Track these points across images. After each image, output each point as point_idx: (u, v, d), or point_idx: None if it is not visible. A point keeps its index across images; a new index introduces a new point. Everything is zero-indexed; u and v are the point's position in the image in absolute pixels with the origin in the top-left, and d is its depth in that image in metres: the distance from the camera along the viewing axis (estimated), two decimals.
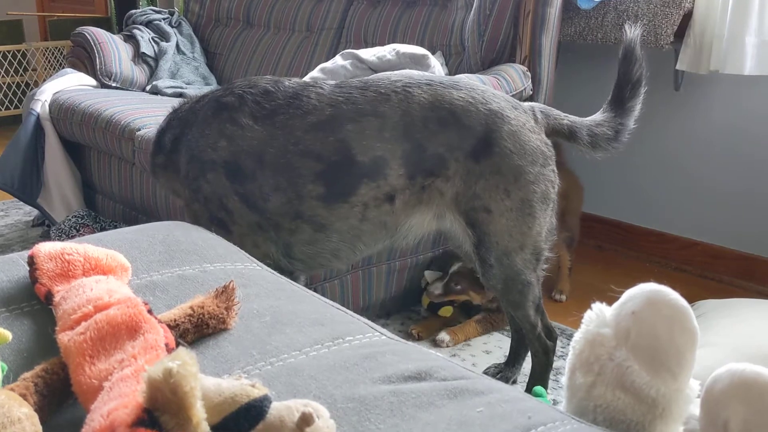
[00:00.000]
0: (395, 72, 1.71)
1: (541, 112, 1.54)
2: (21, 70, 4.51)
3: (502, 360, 1.87)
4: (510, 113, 1.46)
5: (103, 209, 2.57)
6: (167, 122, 1.59)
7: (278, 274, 1.09)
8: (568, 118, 1.57)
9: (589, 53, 2.62)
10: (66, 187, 2.57)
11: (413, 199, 1.48)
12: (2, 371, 0.70)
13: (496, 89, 1.88)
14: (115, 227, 2.39)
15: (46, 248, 0.92)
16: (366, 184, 1.44)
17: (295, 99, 1.46)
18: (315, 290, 1.91)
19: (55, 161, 2.56)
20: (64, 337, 0.74)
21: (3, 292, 0.91)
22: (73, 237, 2.31)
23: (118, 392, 0.61)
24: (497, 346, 2.00)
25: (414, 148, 1.44)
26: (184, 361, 0.55)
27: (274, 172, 1.45)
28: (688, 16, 2.22)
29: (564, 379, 0.85)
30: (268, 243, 1.51)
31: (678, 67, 2.29)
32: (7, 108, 4.50)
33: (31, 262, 0.91)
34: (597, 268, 2.54)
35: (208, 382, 0.61)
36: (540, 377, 1.68)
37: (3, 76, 4.45)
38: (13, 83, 4.50)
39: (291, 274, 1.54)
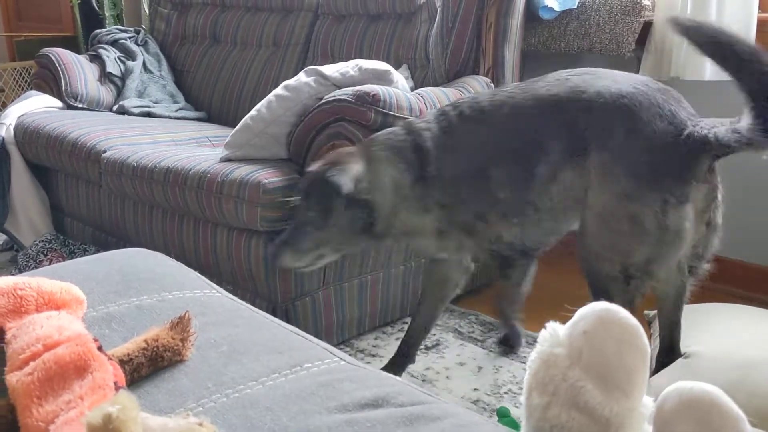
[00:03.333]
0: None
1: (703, 135, 1.38)
2: None
3: (475, 372, 1.87)
4: (647, 118, 1.38)
5: (72, 232, 2.54)
6: (419, 139, 1.61)
7: (238, 300, 1.08)
8: (739, 129, 1.37)
9: (552, 62, 2.64)
10: (33, 211, 2.54)
11: (574, 178, 1.47)
12: None
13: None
14: (85, 251, 2.36)
15: None
16: (562, 169, 1.47)
17: (501, 108, 1.56)
18: (285, 308, 1.90)
19: (22, 185, 2.53)
20: (12, 378, 0.73)
21: None
22: (41, 262, 2.28)
23: None
24: (471, 357, 2.00)
25: (568, 133, 1.45)
26: (124, 405, 0.55)
27: (509, 161, 1.54)
28: (648, 25, 2.25)
29: (522, 399, 0.85)
30: (512, 227, 1.58)
31: (640, 74, 2.31)
32: None
33: None
34: (571, 276, 2.55)
35: (154, 422, 0.61)
36: None
37: None
38: None
39: (535, 251, 1.74)
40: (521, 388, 1.87)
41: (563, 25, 2.34)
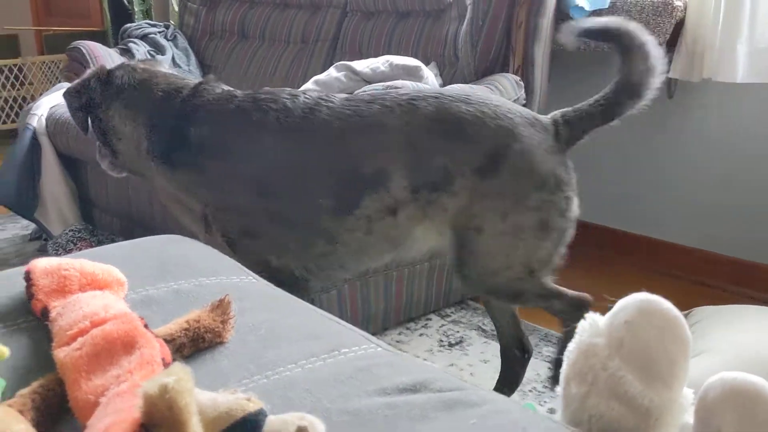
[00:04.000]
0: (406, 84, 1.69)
1: (565, 121, 1.44)
2: (18, 85, 4.52)
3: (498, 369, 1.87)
4: (523, 130, 1.38)
5: (100, 223, 2.57)
6: (190, 110, 1.52)
7: (273, 287, 1.09)
8: (598, 102, 1.44)
9: (581, 62, 2.64)
10: (62, 201, 2.57)
11: (418, 213, 1.44)
12: (0, 387, 0.71)
13: None
14: (113, 241, 2.39)
15: (42, 264, 0.93)
16: (369, 196, 1.42)
17: (309, 113, 1.46)
18: (311, 300, 1.91)
19: (52, 176, 2.57)
20: (60, 353, 0.75)
21: (3, 307, 0.91)
22: (70, 251, 2.31)
23: (115, 408, 0.61)
24: (495, 355, 2.00)
25: (417, 162, 1.40)
26: (180, 376, 0.56)
27: (297, 188, 1.46)
28: (680, 25, 2.24)
29: (559, 389, 0.85)
30: (288, 255, 1.51)
31: (671, 75, 2.30)
32: (4, 122, 4.51)
33: (28, 278, 0.92)
34: (591, 274, 2.55)
35: (204, 396, 0.62)
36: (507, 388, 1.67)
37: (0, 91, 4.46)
38: (10, 97, 4.52)
39: (306, 283, 1.55)
40: (545, 386, 1.88)
41: None
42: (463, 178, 1.38)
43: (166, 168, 1.55)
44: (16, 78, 4.52)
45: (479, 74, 2.10)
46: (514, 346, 1.65)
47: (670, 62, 2.30)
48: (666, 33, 2.20)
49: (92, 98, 1.60)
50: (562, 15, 2.24)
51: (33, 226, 2.92)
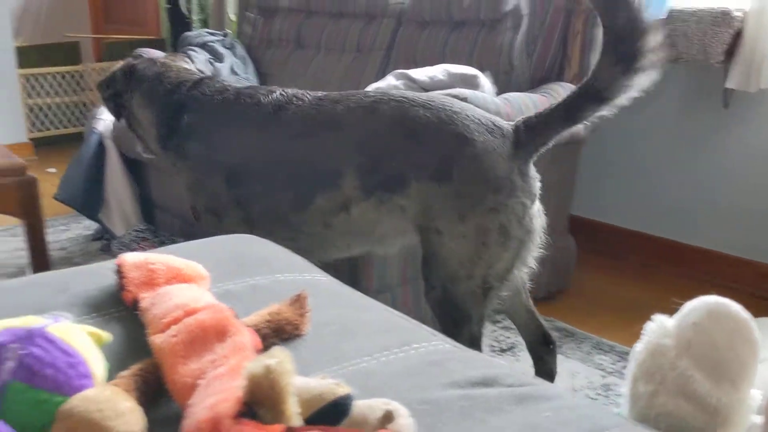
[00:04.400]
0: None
1: (527, 127, 1.43)
2: (78, 90, 4.69)
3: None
4: (476, 136, 1.40)
5: (161, 224, 2.66)
6: (187, 100, 1.68)
7: (341, 284, 1.14)
8: (559, 106, 1.41)
9: None
10: (125, 203, 2.67)
11: (372, 212, 1.49)
12: (106, 369, 0.76)
13: (542, 106, 1.91)
14: (173, 241, 2.48)
15: (131, 258, 0.99)
16: (321, 194, 1.52)
17: (278, 111, 1.58)
18: None
19: (116, 178, 2.67)
20: (156, 339, 0.80)
21: (93, 299, 0.98)
22: (134, 250, 2.40)
23: (216, 388, 0.66)
24: None
25: (370, 164, 1.47)
26: (281, 359, 0.61)
27: (258, 180, 1.59)
28: (738, 35, 2.23)
29: (625, 389, 0.88)
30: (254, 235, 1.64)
31: (727, 85, 2.29)
32: (65, 126, 4.68)
33: (118, 271, 0.98)
34: (643, 285, 2.54)
35: (298, 380, 0.66)
36: None
37: (61, 96, 4.63)
38: (71, 103, 4.68)
39: None
40: (598, 394, 1.88)
41: None
42: (417, 180, 1.44)
43: (168, 152, 1.73)
44: (77, 84, 4.68)
45: (535, 83, 2.12)
46: (538, 341, 1.65)
47: (726, 72, 2.29)
48: (724, 43, 2.19)
49: (118, 89, 1.80)
50: None
51: (95, 226, 3.03)
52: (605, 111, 1.39)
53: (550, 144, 1.45)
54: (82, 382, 0.70)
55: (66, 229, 3.11)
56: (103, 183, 2.67)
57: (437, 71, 1.96)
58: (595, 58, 2.11)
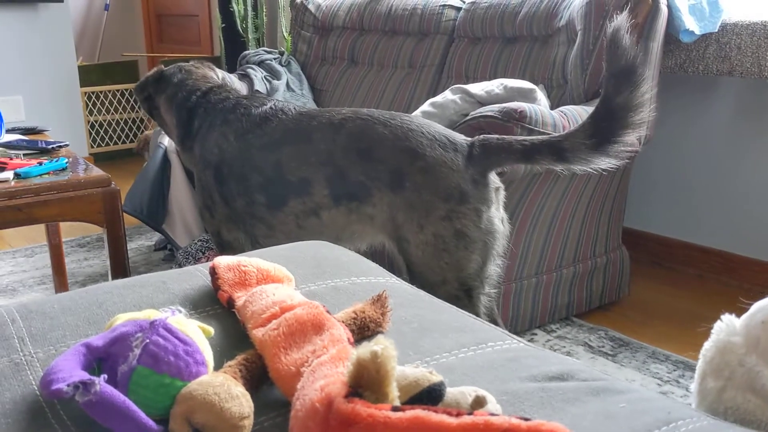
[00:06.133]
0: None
1: (482, 145, 1.54)
2: (137, 107, 4.87)
3: None
4: (428, 151, 1.54)
5: None
6: (196, 106, 1.88)
7: (415, 288, 1.20)
8: (523, 141, 1.50)
9: (689, 85, 2.66)
10: (188, 214, 2.78)
11: (341, 218, 1.65)
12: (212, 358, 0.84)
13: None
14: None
15: (224, 261, 1.07)
16: (294, 199, 1.69)
17: (264, 121, 1.75)
18: None
19: (180, 190, 2.78)
20: (258, 333, 0.87)
21: (191, 297, 1.06)
22: (199, 260, 2.51)
23: (322, 374, 0.73)
24: (602, 371, 2.04)
25: (337, 174, 1.62)
26: (386, 345, 0.67)
27: (237, 180, 1.76)
28: None
29: (693, 386, 0.92)
30: (238, 232, 1.83)
31: None
32: (123, 142, 4.86)
33: (213, 272, 1.06)
34: (697, 296, 2.55)
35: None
36: None
37: (121, 113, 4.82)
38: (130, 119, 4.87)
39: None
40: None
41: (702, 48, 2.36)
42: (379, 191, 1.59)
43: (185, 151, 1.94)
44: (135, 101, 4.86)
45: (588, 96, 2.16)
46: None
47: None
48: None
49: (150, 92, 2.01)
50: (671, 39, 2.29)
51: (157, 237, 3.16)
52: (559, 169, 1.50)
53: (506, 168, 1.61)
54: (198, 368, 0.78)
55: (129, 240, 3.24)
56: (168, 195, 2.78)
57: (494, 85, 2.03)
58: (649, 71, 2.14)
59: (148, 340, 0.76)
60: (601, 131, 1.40)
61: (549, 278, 2.23)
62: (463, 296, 1.60)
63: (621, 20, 1.35)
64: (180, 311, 0.84)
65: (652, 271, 2.76)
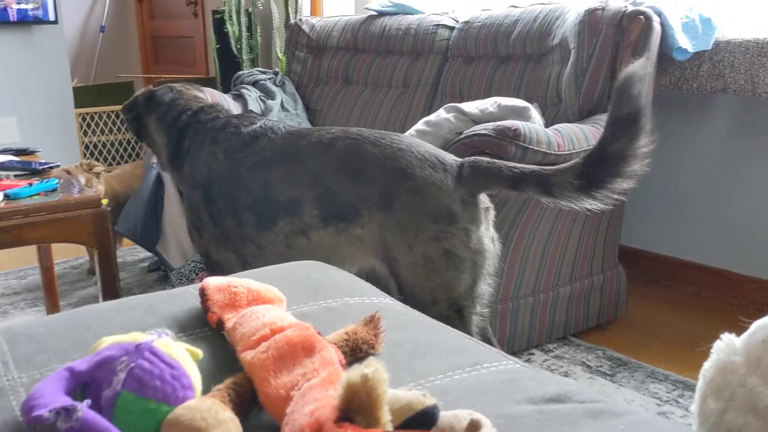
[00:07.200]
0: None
1: (471, 167, 1.53)
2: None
3: None
4: (417, 171, 1.53)
5: None
6: (186, 125, 1.88)
7: (410, 308, 1.18)
8: (513, 168, 1.49)
9: (683, 103, 2.66)
10: (182, 235, 2.75)
11: (331, 239, 1.63)
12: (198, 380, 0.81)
13: (592, 137, 1.95)
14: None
15: (213, 282, 1.05)
16: (283, 219, 1.67)
17: (253, 140, 1.74)
18: None
19: (173, 211, 2.76)
20: (247, 356, 0.85)
21: (179, 320, 1.03)
22: (192, 281, 2.48)
23: (312, 398, 0.71)
24: (601, 391, 2.02)
25: (326, 194, 1.61)
26: (377, 368, 0.65)
27: (226, 200, 1.75)
28: None
29: (693, 407, 0.90)
30: (227, 252, 1.82)
31: None
32: (118, 162, 4.85)
33: (203, 293, 1.04)
34: (695, 314, 2.53)
35: (388, 391, 0.71)
36: None
37: (115, 134, 4.81)
38: (124, 140, 4.86)
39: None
40: None
41: (696, 66, 2.37)
42: (369, 212, 1.57)
43: (174, 170, 1.93)
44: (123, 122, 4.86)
45: (584, 114, 2.16)
46: None
47: None
48: None
49: (140, 112, 1.99)
50: (665, 57, 2.29)
51: (151, 258, 3.13)
52: (545, 201, 1.48)
53: (494, 191, 1.59)
54: (185, 393, 0.75)
55: (122, 261, 3.21)
56: (161, 216, 2.76)
57: (488, 104, 2.02)
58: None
59: (133, 364, 0.74)
60: (591, 175, 1.38)
61: (546, 297, 2.21)
62: (454, 316, 1.58)
63: (636, 66, 1.31)
64: (167, 334, 0.81)
65: (649, 289, 2.74)
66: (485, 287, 1.62)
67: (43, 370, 0.89)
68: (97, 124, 4.75)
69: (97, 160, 4.78)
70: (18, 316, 2.63)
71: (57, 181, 1.83)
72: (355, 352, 0.94)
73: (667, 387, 2.00)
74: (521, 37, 2.50)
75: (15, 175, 1.94)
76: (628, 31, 2.12)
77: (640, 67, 1.32)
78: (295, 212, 1.65)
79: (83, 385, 0.75)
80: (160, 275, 2.95)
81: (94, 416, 0.68)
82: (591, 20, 2.19)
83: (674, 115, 2.68)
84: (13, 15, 3.83)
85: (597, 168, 1.37)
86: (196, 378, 0.79)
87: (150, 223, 2.76)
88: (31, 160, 2.19)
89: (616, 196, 1.39)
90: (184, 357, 0.80)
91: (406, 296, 1.58)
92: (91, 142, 4.75)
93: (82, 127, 4.67)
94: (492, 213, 1.62)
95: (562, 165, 1.45)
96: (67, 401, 0.69)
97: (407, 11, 3.13)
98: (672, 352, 2.22)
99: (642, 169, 1.38)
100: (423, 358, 0.97)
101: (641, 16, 2.11)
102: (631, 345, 2.28)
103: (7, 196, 1.70)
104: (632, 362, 2.15)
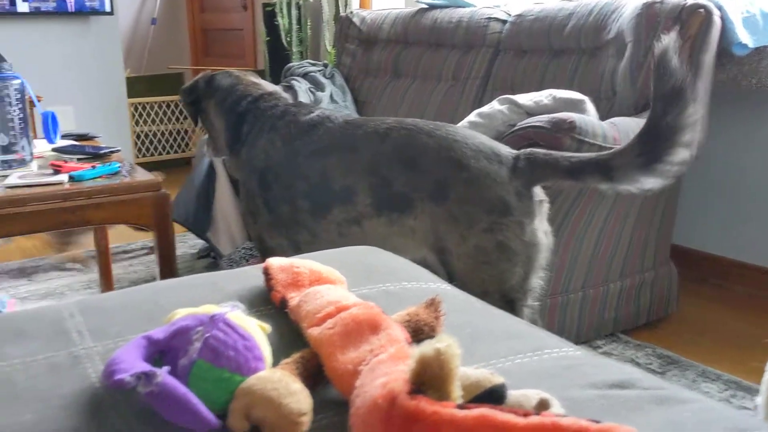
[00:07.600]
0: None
1: (527, 159, 1.52)
2: (181, 119, 4.96)
3: None
4: (472, 162, 1.53)
5: None
6: (246, 111, 1.90)
7: (467, 294, 1.19)
8: (570, 158, 1.48)
9: (741, 99, 2.61)
10: (232, 223, 2.81)
11: (383, 229, 1.64)
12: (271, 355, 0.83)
13: None
14: None
15: (277, 262, 1.07)
16: (337, 207, 1.69)
17: (311, 129, 1.77)
18: None
19: (224, 199, 2.81)
20: (313, 332, 0.87)
21: (243, 297, 1.06)
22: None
23: (382, 371, 0.72)
24: None
25: (380, 184, 1.62)
26: (450, 342, 0.66)
27: (283, 186, 1.77)
28: None
29: (760, 399, 0.89)
30: (281, 238, 1.84)
31: None
32: (168, 152, 4.95)
33: (266, 273, 1.06)
34: (748, 314, 2.48)
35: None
36: None
37: (166, 124, 4.90)
38: (174, 130, 4.95)
39: None
40: None
41: (755, 62, 2.32)
42: (421, 202, 1.58)
43: (232, 155, 1.95)
44: (181, 112, 4.95)
45: (638, 109, 2.13)
46: None
47: None
48: None
49: (199, 95, 2.02)
50: (723, 52, 2.25)
51: (200, 245, 3.19)
52: (605, 187, 1.46)
53: (551, 183, 1.57)
54: (256, 364, 0.78)
55: None
56: (212, 204, 2.81)
57: (543, 96, 2.01)
58: (701, 84, 2.11)
59: (208, 334, 0.76)
60: (649, 150, 1.38)
61: (596, 293, 2.19)
62: (506, 308, 1.56)
63: (669, 40, 1.32)
64: (238, 307, 0.84)
65: (700, 288, 2.70)
66: (537, 280, 1.62)
67: (117, 340, 0.92)
68: (148, 114, 4.86)
69: (148, 149, 4.89)
70: (74, 297, 2.71)
71: (119, 164, 1.88)
72: (416, 333, 0.95)
73: (719, 386, 1.97)
74: (575, 30, 2.48)
75: (78, 159, 2.00)
76: (688, 25, 2.08)
77: (673, 40, 1.32)
78: (350, 201, 1.68)
79: (160, 353, 0.78)
80: (210, 262, 3.01)
81: (173, 382, 0.71)
82: (649, 14, 2.16)
83: (731, 111, 2.63)
84: (71, 5, 3.93)
85: (654, 143, 1.37)
86: (266, 350, 0.82)
87: (201, 211, 2.81)
88: (91, 145, 2.25)
89: (676, 169, 1.38)
90: (256, 330, 0.82)
91: (457, 287, 1.58)
92: (142, 132, 4.85)
93: (134, 116, 4.77)
94: (546, 206, 1.61)
95: (618, 148, 1.45)
96: (147, 367, 0.72)
97: (458, 4, 3.12)
98: (724, 352, 2.18)
99: (699, 135, 1.39)
100: (483, 341, 0.98)
101: (701, 10, 2.08)
102: (682, 343, 2.24)
103: (72, 178, 1.75)
104: (683, 361, 2.12)
